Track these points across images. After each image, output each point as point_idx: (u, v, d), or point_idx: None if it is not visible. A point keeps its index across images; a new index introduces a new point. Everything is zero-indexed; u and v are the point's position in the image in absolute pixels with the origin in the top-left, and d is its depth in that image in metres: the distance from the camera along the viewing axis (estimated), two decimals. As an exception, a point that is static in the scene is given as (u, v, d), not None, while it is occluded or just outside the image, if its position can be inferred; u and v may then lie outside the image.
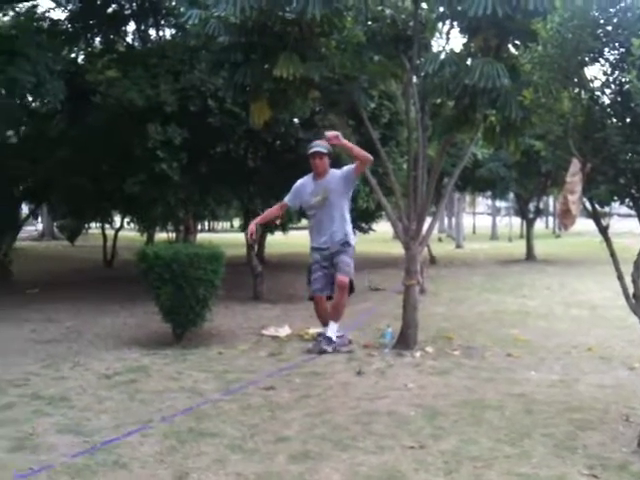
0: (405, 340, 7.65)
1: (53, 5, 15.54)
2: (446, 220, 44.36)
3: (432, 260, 19.42)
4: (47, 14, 15.38)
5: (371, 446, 4.41)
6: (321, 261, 5.80)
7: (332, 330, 5.93)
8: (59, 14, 15.40)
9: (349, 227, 5.83)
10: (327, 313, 5.94)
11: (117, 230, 19.31)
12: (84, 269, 18.06)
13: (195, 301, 7.72)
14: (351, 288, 6.01)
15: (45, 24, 15.02)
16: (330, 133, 5.49)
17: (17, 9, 14.36)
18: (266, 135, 10.73)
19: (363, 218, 14.18)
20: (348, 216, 5.83)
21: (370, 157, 5.65)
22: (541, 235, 32.37)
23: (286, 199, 6.00)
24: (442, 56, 6.74)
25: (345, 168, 5.81)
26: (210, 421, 4.90)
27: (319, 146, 5.64)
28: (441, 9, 6.91)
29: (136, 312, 9.56)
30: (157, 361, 6.91)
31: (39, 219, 33.30)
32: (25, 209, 22.40)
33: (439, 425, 4.85)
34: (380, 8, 8.30)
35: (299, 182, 5.90)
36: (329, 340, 5.90)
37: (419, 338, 7.94)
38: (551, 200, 36.92)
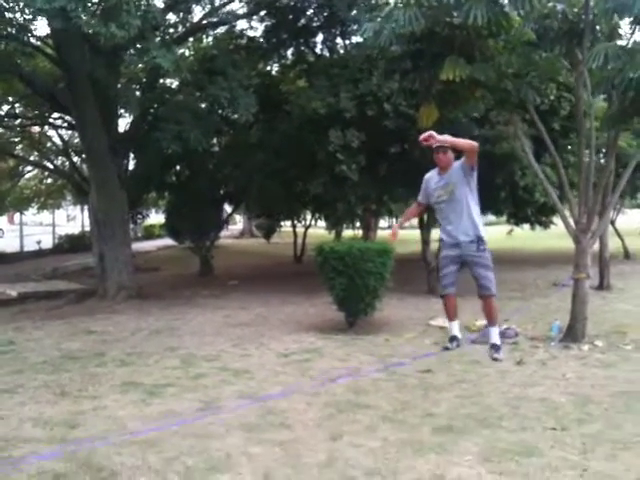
0: (573, 333, 7.65)
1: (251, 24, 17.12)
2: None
3: (626, 255, 18.37)
4: (245, 32, 17.01)
5: (514, 426, 4.67)
6: (451, 256, 5.66)
7: (495, 335, 5.83)
8: (255, 31, 16.78)
9: (478, 219, 5.61)
10: (456, 309, 5.86)
11: (306, 228, 20.60)
12: (276, 264, 19.54)
13: (365, 291, 8.34)
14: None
15: (243, 41, 16.60)
16: (423, 136, 5.26)
17: (217, 31, 15.91)
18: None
19: (543, 212, 13.91)
20: (477, 209, 5.64)
21: (473, 144, 5.27)
22: None
23: (419, 199, 5.91)
24: (608, 50, 6.67)
25: (461, 159, 5.60)
26: (367, 395, 5.45)
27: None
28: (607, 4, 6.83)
29: (316, 302, 10.39)
30: (329, 344, 7.62)
31: (240, 219, 36.08)
32: (228, 210, 24.67)
33: (588, 412, 4.97)
34: (551, 4, 8.31)
35: (426, 176, 5.73)
36: (497, 347, 5.83)
37: (592, 332, 7.92)
38: None
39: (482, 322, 8.70)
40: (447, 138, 5.30)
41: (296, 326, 9.06)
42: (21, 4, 8.42)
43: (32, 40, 10.72)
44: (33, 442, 4.40)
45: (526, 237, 22.03)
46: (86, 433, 4.57)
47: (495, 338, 5.86)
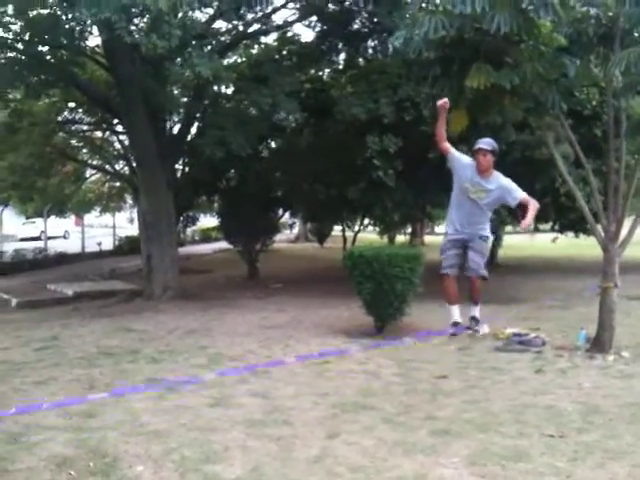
0: (599, 343, 7.55)
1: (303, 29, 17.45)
2: None
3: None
4: (297, 37, 17.30)
5: (512, 432, 4.73)
6: (454, 240, 5.99)
7: (477, 310, 6.26)
8: (308, 36, 17.09)
9: (488, 226, 5.98)
10: (456, 293, 6.19)
11: (356, 233, 20.71)
12: (325, 268, 19.72)
13: (394, 296, 8.45)
14: (484, 278, 6.47)
15: (295, 47, 16.87)
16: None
17: (269, 37, 16.25)
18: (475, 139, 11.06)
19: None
20: (489, 218, 5.99)
21: (537, 206, 5.79)
22: None
23: (453, 151, 6.04)
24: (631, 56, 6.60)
25: (511, 187, 5.75)
26: (375, 397, 5.59)
27: (484, 143, 5.82)
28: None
29: (352, 306, 10.50)
30: (353, 348, 7.77)
31: (296, 223, 36.49)
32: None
33: (591, 421, 4.97)
34: (585, 8, 8.25)
35: (468, 159, 5.92)
36: (477, 320, 6.22)
37: (622, 343, 7.80)
38: None
39: (510, 330, 8.71)
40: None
41: (327, 329, 9.24)
42: (69, 16, 8.89)
43: (85, 49, 11.27)
44: (53, 429, 4.74)
45: (578, 245, 21.57)
46: (101, 423, 4.89)
47: (477, 313, 6.42)
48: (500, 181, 5.83)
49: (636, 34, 8.07)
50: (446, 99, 5.71)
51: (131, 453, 4.23)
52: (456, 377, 6.37)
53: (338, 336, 8.64)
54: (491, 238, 6.06)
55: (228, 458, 4.16)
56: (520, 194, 5.75)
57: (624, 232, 7.87)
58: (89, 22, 8.71)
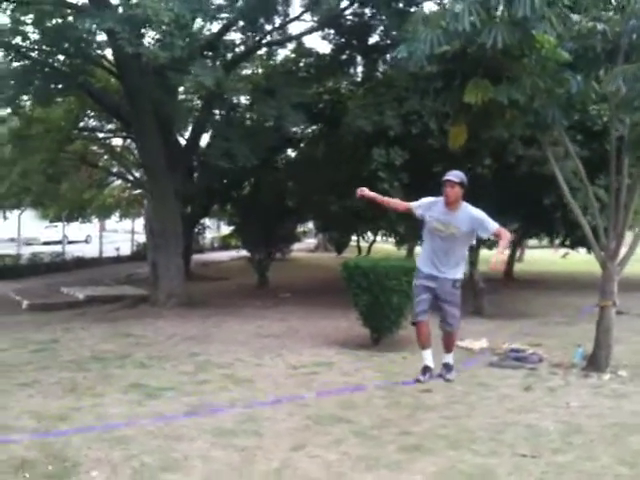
0: (596, 362, 7.38)
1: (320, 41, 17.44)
2: None
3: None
4: (312, 49, 17.29)
5: (484, 450, 4.62)
6: (426, 286, 5.50)
7: (450, 357, 5.76)
8: (325, 48, 17.11)
9: (463, 263, 5.56)
10: (428, 336, 5.66)
11: (370, 243, 20.65)
12: (336, 279, 19.60)
13: (390, 309, 8.36)
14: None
15: (312, 59, 16.87)
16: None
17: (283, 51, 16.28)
18: (485, 154, 10.97)
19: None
20: (465, 254, 5.58)
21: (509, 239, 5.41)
22: None
23: (414, 204, 5.57)
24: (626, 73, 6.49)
25: (482, 218, 5.37)
26: (353, 410, 5.51)
27: (451, 175, 5.55)
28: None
29: (352, 318, 10.44)
30: (344, 359, 7.70)
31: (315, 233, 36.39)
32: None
33: (570, 441, 4.84)
34: (591, 24, 8.13)
35: (432, 199, 5.66)
36: (449, 367, 5.73)
37: (623, 362, 7.63)
38: None
39: (509, 346, 8.57)
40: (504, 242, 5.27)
41: (322, 339, 9.18)
42: (77, 25, 9.01)
43: (94, 58, 11.40)
44: (22, 432, 4.74)
45: (594, 261, 21.31)
46: (70, 426, 4.88)
47: (449, 359, 5.65)
48: (470, 213, 5.45)
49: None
50: (364, 191, 5.63)
51: (92, 458, 4.22)
52: (441, 392, 6.24)
53: (332, 347, 8.57)
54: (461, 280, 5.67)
55: (187, 467, 4.12)
56: (493, 225, 5.39)
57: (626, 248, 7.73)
58: (93, 31, 8.80)
